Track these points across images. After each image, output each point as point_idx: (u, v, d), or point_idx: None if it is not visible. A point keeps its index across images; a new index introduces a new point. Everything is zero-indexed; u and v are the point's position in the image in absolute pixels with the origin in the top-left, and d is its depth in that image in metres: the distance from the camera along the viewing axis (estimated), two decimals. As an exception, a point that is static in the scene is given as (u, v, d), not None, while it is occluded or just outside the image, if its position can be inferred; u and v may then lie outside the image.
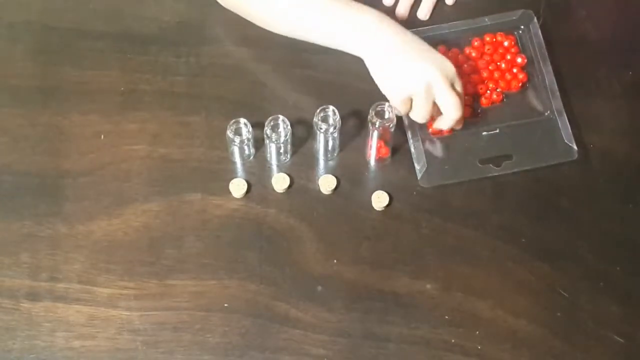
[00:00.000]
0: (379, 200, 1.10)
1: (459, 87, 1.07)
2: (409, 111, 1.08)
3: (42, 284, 1.06)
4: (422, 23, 1.20)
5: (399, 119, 1.10)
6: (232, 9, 1.16)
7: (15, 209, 1.10)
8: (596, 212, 1.10)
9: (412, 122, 1.11)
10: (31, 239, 1.08)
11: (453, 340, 1.04)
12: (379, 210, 1.10)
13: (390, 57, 1.06)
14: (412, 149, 1.11)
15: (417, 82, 1.05)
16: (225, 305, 1.05)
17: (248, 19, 1.15)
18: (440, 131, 1.12)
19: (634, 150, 1.14)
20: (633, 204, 1.11)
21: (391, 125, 1.07)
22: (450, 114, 1.07)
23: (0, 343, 1.03)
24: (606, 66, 1.19)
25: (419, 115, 1.08)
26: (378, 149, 1.11)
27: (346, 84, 1.14)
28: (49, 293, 1.05)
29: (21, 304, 1.05)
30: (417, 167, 1.11)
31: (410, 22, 1.21)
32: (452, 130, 1.12)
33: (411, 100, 1.07)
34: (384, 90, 1.08)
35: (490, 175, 1.11)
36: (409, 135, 1.12)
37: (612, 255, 1.08)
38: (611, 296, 1.06)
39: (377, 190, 1.10)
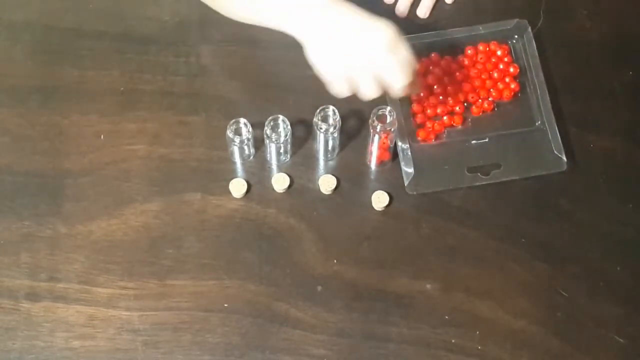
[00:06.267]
0: (379, 200, 1.10)
1: (400, 53, 1.01)
2: (346, 95, 1.04)
3: (41, 284, 1.06)
4: (417, 28, 1.20)
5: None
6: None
7: (15, 209, 1.10)
8: (596, 212, 1.10)
9: (402, 129, 1.11)
10: (31, 239, 1.08)
11: (453, 340, 1.04)
12: (379, 210, 1.10)
13: (328, 38, 1.02)
14: (400, 156, 1.11)
15: (355, 59, 1.01)
16: (225, 305, 1.05)
17: (212, 7, 1.15)
18: (429, 138, 1.12)
19: (634, 150, 1.14)
20: (633, 204, 1.11)
21: (393, 129, 1.07)
22: (394, 84, 1.02)
23: (0, 343, 1.03)
24: (606, 66, 1.19)
25: (365, 93, 1.03)
26: (379, 154, 1.11)
27: (346, 84, 1.14)
28: (49, 293, 1.05)
29: (21, 304, 1.05)
30: (404, 174, 1.11)
31: (409, 21, 1.21)
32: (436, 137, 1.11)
33: (352, 80, 1.03)
34: (323, 72, 1.03)
35: (477, 184, 1.11)
36: (398, 142, 1.12)
37: (612, 255, 1.08)
38: (611, 296, 1.06)
39: (377, 190, 1.10)
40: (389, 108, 1.07)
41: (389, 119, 1.06)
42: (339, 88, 1.03)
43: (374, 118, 1.06)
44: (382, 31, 1.00)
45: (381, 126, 1.06)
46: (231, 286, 1.06)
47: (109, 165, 1.12)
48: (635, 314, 1.06)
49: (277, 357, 1.03)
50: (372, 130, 1.07)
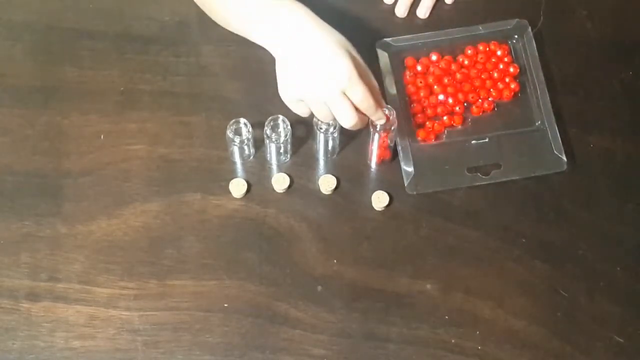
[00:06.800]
0: (379, 200, 1.10)
1: (353, 94, 1.01)
2: (307, 114, 1.05)
3: (41, 284, 1.06)
4: (417, 28, 1.20)
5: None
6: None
7: (15, 209, 1.10)
8: (596, 212, 1.10)
9: (402, 128, 1.11)
10: (31, 239, 1.08)
11: (453, 341, 1.04)
12: (379, 210, 1.10)
13: (290, 62, 1.02)
14: (400, 156, 1.11)
15: (308, 91, 1.02)
16: (225, 305, 1.05)
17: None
18: (429, 138, 1.13)
19: (634, 150, 1.14)
20: (633, 204, 1.11)
21: (393, 128, 1.07)
22: (341, 123, 1.03)
23: (0, 343, 1.03)
24: (606, 66, 1.19)
25: (319, 117, 1.04)
26: (380, 152, 1.11)
27: (346, 84, 1.14)
28: (49, 293, 1.05)
29: (21, 304, 1.05)
30: (404, 174, 1.11)
31: (409, 21, 1.21)
32: (436, 137, 1.12)
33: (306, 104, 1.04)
34: (279, 92, 1.05)
35: (477, 184, 1.11)
36: (398, 142, 1.12)
37: (612, 255, 1.08)
38: (611, 296, 1.06)
39: (377, 190, 1.10)
40: (388, 106, 1.07)
41: (389, 118, 1.06)
42: (294, 110, 1.05)
43: None
44: (339, 70, 0.99)
45: (381, 125, 1.06)
46: (231, 286, 1.06)
47: (109, 165, 1.12)
48: (635, 314, 1.06)
49: (277, 357, 1.03)
50: (372, 129, 1.07)
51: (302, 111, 1.04)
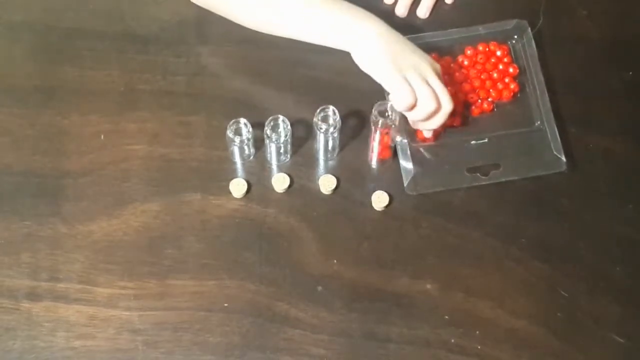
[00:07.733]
0: (379, 200, 1.10)
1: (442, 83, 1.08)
2: (413, 101, 1.05)
3: (42, 284, 1.06)
4: (417, 28, 1.20)
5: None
6: (205, 7, 1.17)
7: (15, 209, 1.10)
8: (596, 212, 1.10)
9: (402, 129, 1.11)
10: (31, 239, 1.08)
11: (453, 340, 1.04)
12: (379, 210, 1.10)
13: (380, 46, 1.06)
14: (400, 156, 1.11)
15: (411, 64, 1.06)
16: (225, 305, 1.05)
17: (219, 13, 1.16)
18: (429, 138, 1.13)
19: (634, 150, 1.15)
20: (633, 204, 1.11)
21: (394, 125, 1.07)
22: (445, 106, 1.06)
23: (0, 343, 1.03)
24: (606, 66, 1.19)
25: (424, 101, 1.05)
26: (380, 151, 1.11)
27: (346, 84, 1.14)
28: (49, 293, 1.05)
29: (21, 304, 1.05)
30: (403, 174, 1.11)
31: (409, 21, 1.21)
32: (435, 137, 1.12)
33: (410, 87, 1.05)
34: (380, 76, 1.07)
35: (477, 184, 1.11)
36: (398, 142, 1.11)
37: (612, 255, 1.08)
38: (611, 296, 1.06)
39: (377, 190, 1.11)
40: (389, 104, 1.06)
41: (390, 114, 1.06)
42: (398, 88, 1.05)
43: (376, 113, 1.06)
44: (432, 60, 1.09)
45: (382, 120, 1.06)
46: (231, 286, 1.06)
47: (109, 165, 1.12)
48: (635, 314, 1.06)
49: (277, 357, 1.03)
50: (373, 127, 1.07)
51: (407, 89, 1.05)
